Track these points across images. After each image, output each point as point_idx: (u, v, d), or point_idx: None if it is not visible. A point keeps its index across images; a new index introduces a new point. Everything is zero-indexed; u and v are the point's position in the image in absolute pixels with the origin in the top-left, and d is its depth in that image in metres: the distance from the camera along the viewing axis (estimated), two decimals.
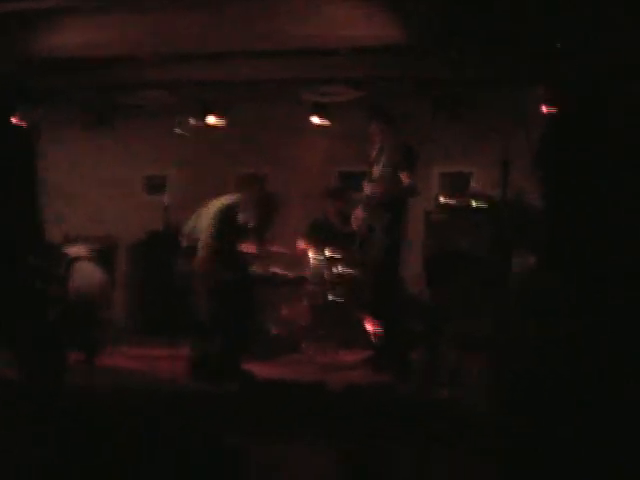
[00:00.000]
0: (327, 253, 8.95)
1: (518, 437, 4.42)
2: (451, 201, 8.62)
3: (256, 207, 7.44)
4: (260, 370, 7.54)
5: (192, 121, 7.35)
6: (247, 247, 8.92)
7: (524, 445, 4.31)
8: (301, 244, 9.42)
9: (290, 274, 9.47)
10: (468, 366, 6.16)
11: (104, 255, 9.71)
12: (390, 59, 8.30)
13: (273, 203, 7.68)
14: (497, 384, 5.62)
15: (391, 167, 7.81)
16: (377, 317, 7.96)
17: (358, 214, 8.08)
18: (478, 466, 4.45)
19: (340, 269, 8.92)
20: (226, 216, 7.35)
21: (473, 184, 10.16)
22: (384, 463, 4.59)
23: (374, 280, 7.93)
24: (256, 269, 9.29)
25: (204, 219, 7.40)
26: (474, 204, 8.35)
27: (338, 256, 8.94)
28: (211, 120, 10.19)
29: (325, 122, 10.31)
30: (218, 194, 7.65)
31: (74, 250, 8.14)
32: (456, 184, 10.50)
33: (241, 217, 7.38)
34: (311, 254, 9.06)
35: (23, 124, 7.90)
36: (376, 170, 7.95)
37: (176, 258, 7.51)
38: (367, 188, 7.96)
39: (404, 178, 7.73)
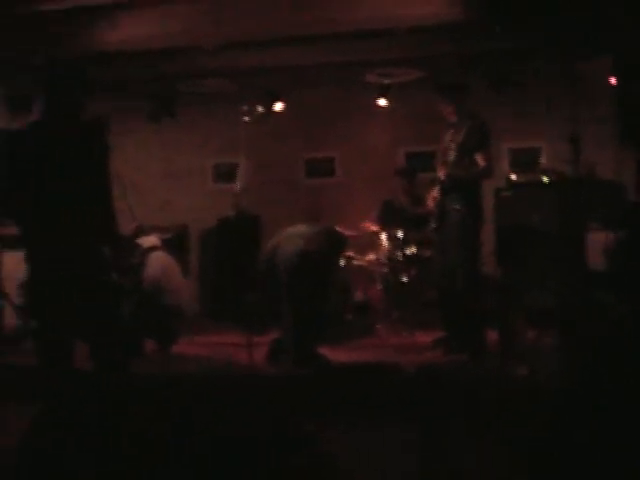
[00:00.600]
0: (399, 234, 8.89)
1: (592, 415, 4.35)
2: (521, 178, 8.52)
3: None
4: (335, 354, 7.56)
5: (260, 108, 7.34)
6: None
7: (598, 424, 4.23)
8: (372, 226, 9.39)
9: (363, 257, 9.45)
10: (543, 342, 6.10)
11: (176, 244, 9.85)
12: (451, 37, 8.23)
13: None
14: (573, 360, 5.54)
15: (466, 149, 7.64)
16: (450, 298, 7.89)
17: (434, 195, 7.92)
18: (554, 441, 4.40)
19: (412, 250, 8.86)
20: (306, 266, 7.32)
21: (543, 159, 10.06)
22: (461, 444, 4.56)
23: (450, 263, 7.78)
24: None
25: (281, 258, 7.36)
26: (545, 180, 8.25)
27: (410, 237, 8.89)
28: (278, 107, 10.23)
29: (389, 103, 10.29)
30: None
31: (147, 240, 8.23)
32: (526, 159, 10.39)
33: None
34: (383, 236, 9.02)
35: (92, 117, 8.02)
36: (450, 152, 7.77)
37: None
38: (441, 172, 7.75)
39: (480, 160, 7.55)
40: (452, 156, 7.64)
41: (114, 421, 4.44)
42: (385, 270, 9.02)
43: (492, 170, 7.63)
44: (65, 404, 4.66)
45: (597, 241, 7.40)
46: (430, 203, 7.95)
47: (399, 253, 8.89)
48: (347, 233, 9.13)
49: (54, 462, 3.96)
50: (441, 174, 7.70)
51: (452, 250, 7.69)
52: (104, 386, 4.88)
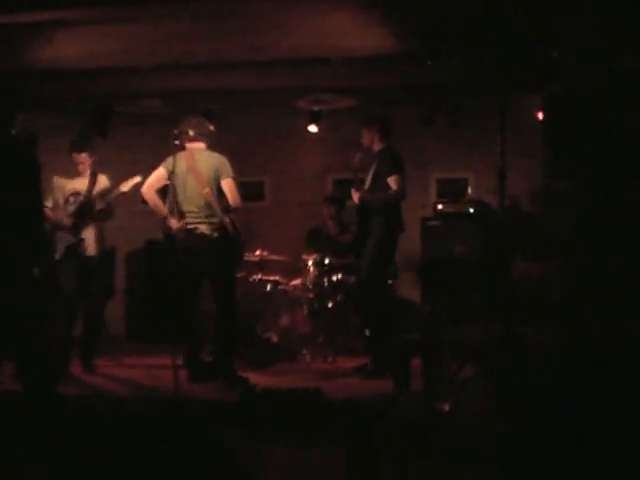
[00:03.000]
0: (326, 260, 8.96)
1: (520, 449, 4.44)
2: (448, 208, 8.66)
3: None
4: (259, 378, 7.59)
5: (190, 132, 7.37)
6: (249, 255, 9.01)
7: (527, 457, 4.32)
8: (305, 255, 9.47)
9: (289, 282, 9.50)
10: (466, 376, 6.16)
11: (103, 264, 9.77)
12: (383, 67, 8.35)
13: None
14: (496, 396, 5.62)
15: (380, 174, 7.84)
16: (370, 324, 8.01)
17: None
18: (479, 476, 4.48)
19: (338, 276, 8.94)
20: None
21: (470, 191, 10.22)
22: (380, 472, 4.61)
23: (366, 288, 7.96)
24: (256, 276, 9.35)
25: None
26: (470, 210, 8.40)
27: (336, 263, 8.96)
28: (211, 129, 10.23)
29: (319, 130, 10.39)
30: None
31: None
32: (453, 190, 10.54)
33: None
34: (310, 261, 9.07)
35: (21, 133, 7.96)
36: (366, 178, 7.99)
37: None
38: (355, 196, 8.00)
39: (392, 184, 7.75)
40: (367, 181, 7.88)
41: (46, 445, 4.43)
42: (311, 295, 9.06)
43: (404, 194, 7.86)
44: None
45: (520, 272, 7.53)
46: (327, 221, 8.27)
47: (325, 279, 8.95)
48: (274, 258, 9.21)
49: None
50: (355, 197, 7.93)
51: (366, 272, 7.89)
52: (33, 408, 4.85)
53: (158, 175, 7.45)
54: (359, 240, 8.09)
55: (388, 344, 7.83)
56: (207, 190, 7.26)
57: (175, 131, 7.37)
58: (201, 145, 7.51)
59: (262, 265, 9.49)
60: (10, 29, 6.70)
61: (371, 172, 7.94)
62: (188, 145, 7.47)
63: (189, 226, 7.31)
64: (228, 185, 7.33)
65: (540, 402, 4.93)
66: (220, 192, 7.37)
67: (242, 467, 4.16)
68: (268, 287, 9.31)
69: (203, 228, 7.28)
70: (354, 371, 8.04)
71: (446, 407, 5.91)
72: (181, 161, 7.36)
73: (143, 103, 9.85)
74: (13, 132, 5.10)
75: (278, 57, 7.90)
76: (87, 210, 8.00)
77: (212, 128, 7.59)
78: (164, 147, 7.54)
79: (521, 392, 5.32)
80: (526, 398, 5.09)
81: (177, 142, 7.32)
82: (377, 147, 8.01)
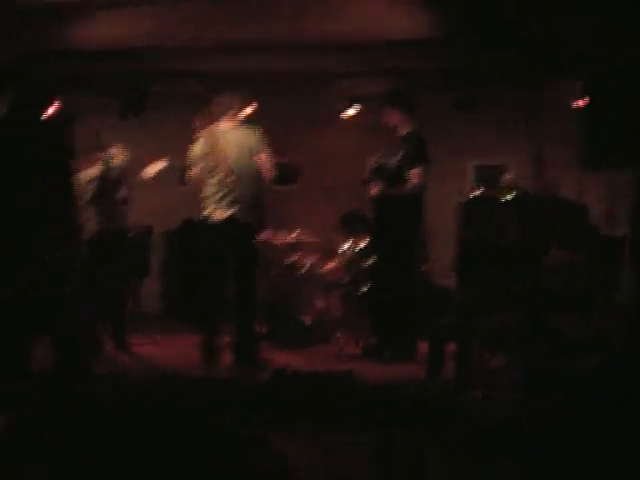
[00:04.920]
0: (361, 244, 8.93)
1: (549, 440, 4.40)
2: (485, 193, 8.61)
3: None
4: (293, 360, 7.61)
5: (219, 111, 7.36)
6: (284, 237, 9.02)
7: (555, 448, 4.29)
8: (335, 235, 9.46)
9: (324, 265, 9.50)
10: (499, 365, 6.13)
11: (140, 244, 9.83)
12: (419, 52, 8.28)
13: None
14: (528, 385, 5.58)
15: (402, 162, 7.79)
16: (397, 310, 7.99)
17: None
18: (506, 468, 4.46)
19: (373, 260, 8.91)
20: None
21: (507, 176, 10.14)
22: (412, 458, 4.60)
23: (391, 275, 7.96)
24: (292, 259, 9.35)
25: None
26: (508, 197, 8.34)
27: (371, 247, 8.93)
28: (247, 111, 10.23)
29: (357, 113, 10.36)
30: None
31: None
32: (490, 176, 10.47)
33: None
34: (345, 245, 9.05)
35: (59, 115, 8.00)
36: (384, 166, 7.95)
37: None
38: (373, 190, 7.97)
39: (414, 176, 7.71)
40: (389, 169, 7.82)
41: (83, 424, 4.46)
42: (346, 279, 9.05)
43: (424, 187, 7.80)
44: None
45: (556, 261, 7.47)
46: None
47: (360, 262, 8.93)
48: (310, 240, 9.20)
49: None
50: (373, 190, 7.88)
51: (385, 262, 7.90)
52: (69, 388, 4.90)
53: (191, 158, 7.43)
54: (379, 230, 8.10)
55: (413, 328, 7.85)
56: (233, 171, 7.24)
57: (199, 113, 7.36)
58: (231, 123, 7.47)
59: (298, 248, 9.48)
60: (46, 11, 6.71)
61: (395, 160, 7.87)
62: (219, 124, 7.46)
63: (216, 207, 7.33)
64: (264, 159, 7.31)
65: (572, 393, 4.89)
66: (249, 170, 7.36)
67: (270, 451, 4.16)
68: (303, 270, 9.30)
69: (227, 213, 7.27)
70: (366, 352, 8.09)
71: (478, 395, 5.89)
72: (209, 141, 7.35)
73: (178, 84, 9.85)
74: (50, 114, 5.13)
75: (315, 41, 7.86)
76: (108, 189, 7.88)
77: (244, 105, 7.54)
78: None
79: (553, 383, 5.29)
80: (557, 389, 5.05)
81: (199, 123, 7.30)
82: (402, 130, 7.95)
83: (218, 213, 7.28)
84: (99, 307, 7.86)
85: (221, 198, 7.29)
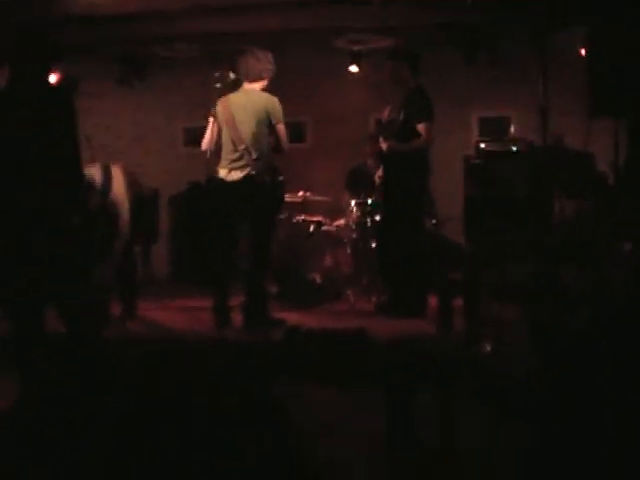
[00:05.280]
0: (368, 200, 8.94)
1: (556, 395, 4.41)
2: (490, 146, 8.59)
3: None
4: (304, 319, 7.64)
5: (232, 75, 7.30)
6: (291, 196, 9.01)
7: (561, 404, 4.30)
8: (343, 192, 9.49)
9: (332, 222, 9.51)
10: (508, 318, 6.13)
11: (146, 207, 9.83)
12: (422, 7, 8.23)
13: None
14: (536, 338, 5.58)
15: (409, 117, 7.78)
16: (407, 265, 7.99)
17: (379, 174, 8.29)
18: (511, 423, 4.48)
19: (381, 215, 8.90)
20: None
21: (512, 128, 10.11)
22: (421, 413, 4.63)
23: (400, 230, 7.97)
24: (299, 217, 9.36)
25: None
26: (514, 149, 8.32)
27: (379, 203, 8.92)
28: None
29: (360, 70, 10.33)
30: None
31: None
32: (495, 128, 10.45)
33: None
34: (352, 202, 9.06)
35: (60, 81, 7.97)
36: (394, 123, 7.95)
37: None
38: (384, 145, 7.96)
39: (422, 131, 7.71)
40: (395, 125, 7.82)
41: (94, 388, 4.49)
42: (354, 236, 9.07)
43: (432, 141, 7.80)
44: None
45: (565, 210, 7.48)
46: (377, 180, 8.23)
47: (368, 219, 8.94)
48: (317, 198, 9.19)
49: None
50: (384, 146, 7.88)
51: (395, 218, 7.92)
52: (80, 352, 4.92)
53: (210, 127, 7.41)
54: (388, 186, 8.11)
55: (424, 284, 7.87)
56: (245, 139, 7.22)
57: (216, 74, 7.31)
58: (254, 85, 7.42)
59: (305, 206, 9.49)
60: None
61: (401, 114, 7.86)
62: (245, 86, 7.42)
63: (228, 173, 7.32)
64: (281, 130, 7.26)
65: (578, 345, 4.89)
66: (266, 135, 7.32)
67: (284, 411, 4.19)
68: (311, 228, 9.31)
69: (245, 172, 7.26)
70: (380, 308, 8.13)
71: (487, 348, 5.91)
72: (229, 103, 7.33)
73: (181, 47, 9.81)
74: (54, 78, 5.11)
75: None
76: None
77: (261, 65, 7.43)
78: (201, 90, 7.53)
79: (560, 334, 5.29)
80: (565, 340, 5.05)
81: (218, 85, 7.25)
82: (408, 86, 7.93)
83: (233, 174, 7.27)
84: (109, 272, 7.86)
85: (236, 159, 7.26)
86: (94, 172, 7.27)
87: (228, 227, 7.44)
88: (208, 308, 7.39)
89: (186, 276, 10.76)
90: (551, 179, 7.44)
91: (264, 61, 7.41)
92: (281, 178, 7.40)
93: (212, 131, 7.34)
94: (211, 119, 7.34)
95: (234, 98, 7.35)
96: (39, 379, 4.83)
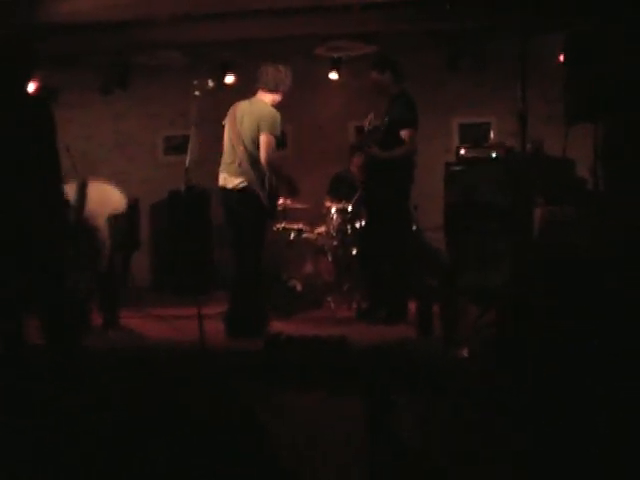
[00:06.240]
0: (349, 207, 8.95)
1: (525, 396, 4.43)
2: (471, 152, 8.62)
3: None
4: (285, 326, 7.63)
5: (211, 82, 7.32)
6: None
7: (532, 406, 4.32)
8: (327, 201, 9.51)
9: (313, 230, 9.52)
10: (486, 322, 6.14)
11: (126, 216, 9.84)
12: (401, 13, 8.25)
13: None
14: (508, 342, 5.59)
15: (393, 123, 7.80)
16: (389, 271, 8.00)
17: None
18: (487, 424, 4.50)
19: (362, 223, 8.91)
20: None
21: (492, 134, 10.15)
22: (398, 418, 4.63)
23: (382, 237, 7.98)
24: (280, 225, 9.36)
25: None
26: (493, 155, 8.35)
27: (359, 210, 8.93)
28: (229, 79, 10.24)
29: (340, 77, 10.36)
30: None
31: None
32: (475, 135, 10.48)
33: None
34: (333, 209, 9.08)
35: (41, 90, 7.95)
36: (376, 129, 7.97)
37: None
38: (366, 151, 8.00)
39: (405, 137, 7.73)
40: (379, 132, 7.85)
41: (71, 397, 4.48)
42: (335, 243, 9.08)
43: (415, 149, 7.85)
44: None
45: (543, 216, 7.50)
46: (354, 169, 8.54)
47: (349, 226, 8.96)
48: (297, 206, 9.20)
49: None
50: (366, 153, 7.93)
51: (375, 226, 7.97)
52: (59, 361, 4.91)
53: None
54: (370, 193, 8.13)
55: (405, 290, 7.89)
56: (243, 144, 7.29)
57: (195, 82, 7.32)
58: (266, 96, 7.47)
59: (285, 214, 9.49)
60: None
61: (385, 120, 7.88)
62: (257, 94, 7.50)
63: (225, 178, 7.39)
64: (262, 141, 7.28)
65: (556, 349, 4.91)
66: (256, 144, 7.33)
67: (260, 420, 4.19)
68: (292, 235, 9.31)
69: (235, 182, 7.31)
70: (362, 315, 8.15)
71: (464, 353, 5.92)
72: (236, 108, 7.46)
73: (161, 55, 9.82)
74: (33, 88, 5.10)
75: (297, 4, 7.83)
76: None
77: (279, 78, 7.49)
78: (183, 99, 7.54)
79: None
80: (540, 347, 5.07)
81: (197, 93, 7.26)
82: (391, 92, 7.95)
83: (228, 181, 7.35)
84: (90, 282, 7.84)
85: (231, 163, 7.37)
86: (69, 190, 7.26)
87: (229, 234, 7.53)
88: (189, 316, 7.38)
89: (167, 285, 10.73)
90: (530, 185, 7.46)
91: (284, 75, 7.49)
92: (274, 187, 7.44)
93: (192, 141, 7.38)
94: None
95: (242, 104, 7.48)
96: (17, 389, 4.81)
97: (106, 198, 7.86)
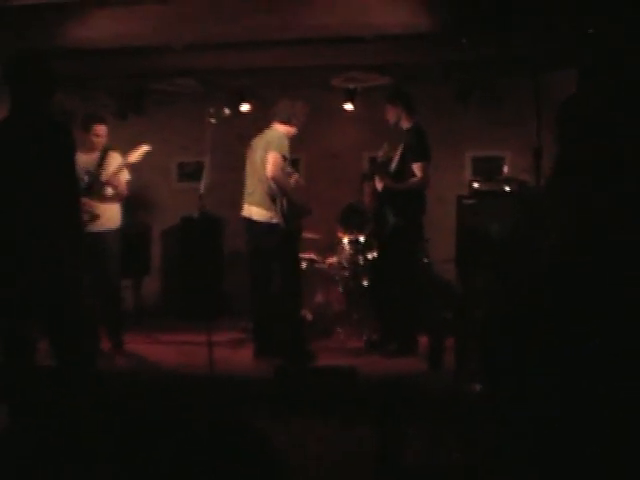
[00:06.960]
0: (361, 238, 8.96)
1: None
2: (484, 186, 8.61)
3: None
4: None
5: (226, 110, 7.37)
6: None
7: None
8: (339, 231, 9.53)
9: (324, 260, 9.52)
10: None
11: (138, 241, 9.86)
12: (416, 45, 8.27)
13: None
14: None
15: (406, 159, 7.83)
16: (400, 303, 7.99)
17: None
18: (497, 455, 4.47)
19: (374, 254, 8.91)
20: None
21: (506, 168, 10.14)
22: (408, 450, 4.62)
23: (393, 269, 7.99)
24: None
25: None
26: (506, 189, 8.34)
27: (371, 241, 8.94)
28: (244, 108, 10.27)
29: (355, 108, 10.39)
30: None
31: None
32: (488, 168, 10.48)
33: None
34: (345, 239, 9.08)
35: (58, 114, 7.99)
36: (389, 160, 8.02)
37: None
38: (379, 185, 8.00)
39: (417, 171, 7.76)
40: (394, 162, 7.88)
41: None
42: (346, 274, 9.07)
43: (428, 182, 7.88)
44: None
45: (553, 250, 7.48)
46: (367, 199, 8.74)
47: (360, 257, 8.95)
48: (309, 236, 9.19)
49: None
50: (379, 185, 7.92)
51: (386, 257, 7.97)
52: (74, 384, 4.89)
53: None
54: (381, 224, 8.14)
55: (416, 323, 7.88)
56: (257, 173, 7.49)
57: (211, 109, 7.36)
58: (281, 127, 7.69)
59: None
60: (43, 9, 6.71)
61: (398, 153, 7.92)
62: (272, 125, 7.76)
63: (246, 208, 7.68)
64: (268, 158, 7.37)
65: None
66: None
67: (272, 450, 4.17)
68: (303, 265, 9.31)
69: (254, 211, 7.58)
70: (371, 347, 8.14)
71: (476, 388, 5.89)
72: (255, 140, 7.81)
73: (177, 82, 9.86)
74: (51, 112, 5.10)
75: (310, 35, 7.86)
76: (97, 188, 7.91)
77: (293, 112, 7.65)
78: (197, 125, 7.56)
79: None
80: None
81: (213, 120, 7.29)
82: (405, 125, 7.98)
83: (246, 210, 7.67)
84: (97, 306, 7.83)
85: (251, 194, 7.66)
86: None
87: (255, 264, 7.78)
88: (199, 343, 7.37)
89: (177, 310, 10.72)
90: (544, 220, 7.44)
91: (297, 109, 7.75)
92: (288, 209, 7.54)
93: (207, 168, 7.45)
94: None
95: (258, 136, 7.75)
96: (27, 412, 4.80)
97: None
